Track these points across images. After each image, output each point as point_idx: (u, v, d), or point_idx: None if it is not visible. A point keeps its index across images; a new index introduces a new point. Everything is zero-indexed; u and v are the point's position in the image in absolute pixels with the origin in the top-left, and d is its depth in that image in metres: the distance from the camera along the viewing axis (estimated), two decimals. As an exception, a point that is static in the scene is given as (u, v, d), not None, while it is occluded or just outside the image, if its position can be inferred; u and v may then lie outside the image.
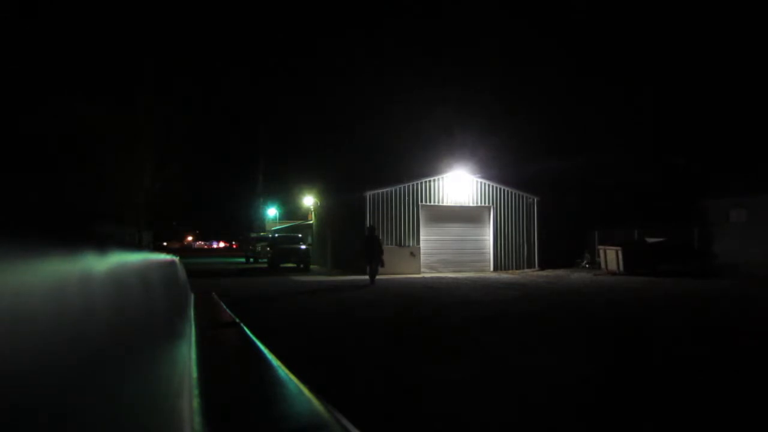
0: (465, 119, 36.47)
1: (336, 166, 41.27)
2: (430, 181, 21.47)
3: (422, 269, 20.41)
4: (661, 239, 18.75)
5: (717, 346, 6.47)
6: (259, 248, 29.94)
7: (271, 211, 54.03)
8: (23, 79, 23.72)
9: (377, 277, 18.25)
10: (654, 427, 3.70)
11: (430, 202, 21.34)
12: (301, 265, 23.19)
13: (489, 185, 22.19)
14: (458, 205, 21.70)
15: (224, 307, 4.60)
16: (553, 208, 22.92)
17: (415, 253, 20.48)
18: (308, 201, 33.90)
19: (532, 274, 19.54)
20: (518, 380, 4.87)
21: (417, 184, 21.31)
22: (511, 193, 22.48)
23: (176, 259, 4.54)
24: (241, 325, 3.27)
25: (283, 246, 23.72)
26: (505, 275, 19.42)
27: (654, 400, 4.24)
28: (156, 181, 29.23)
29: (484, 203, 22.07)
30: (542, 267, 22.10)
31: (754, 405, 4.15)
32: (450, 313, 9.49)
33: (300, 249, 23.47)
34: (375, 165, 33.66)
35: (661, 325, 8.27)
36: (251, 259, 31.91)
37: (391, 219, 20.77)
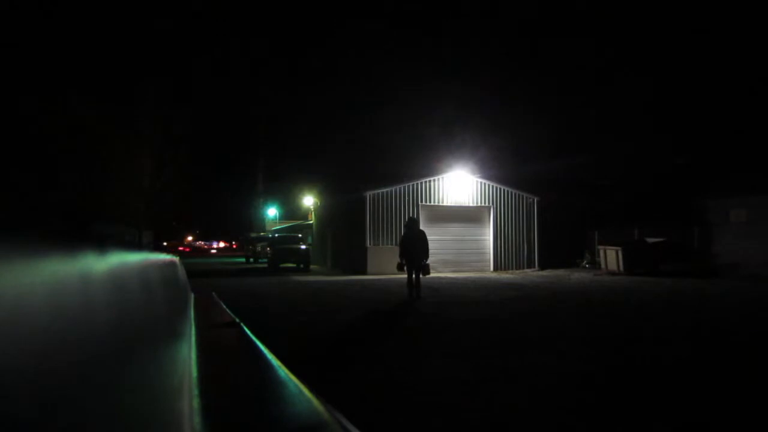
0: (465, 119, 36.46)
1: (336, 166, 41.25)
2: (430, 181, 21.47)
3: (422, 269, 20.39)
4: (661, 239, 18.75)
5: (715, 346, 6.48)
6: (259, 248, 29.94)
7: (271, 211, 54.03)
8: (23, 78, 23.72)
9: (377, 277, 18.18)
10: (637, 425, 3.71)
11: (430, 202, 21.33)
12: (301, 266, 23.18)
13: (489, 185, 22.19)
14: (458, 205, 21.70)
15: (224, 307, 4.60)
16: (553, 208, 22.91)
17: (415, 253, 20.46)
18: (308, 201, 33.92)
19: (532, 275, 19.53)
20: (516, 379, 4.87)
21: (417, 184, 21.30)
22: (511, 193, 22.47)
23: (176, 259, 4.54)
24: (241, 325, 3.27)
25: (283, 246, 23.71)
26: (505, 275, 19.42)
27: (648, 400, 4.24)
28: (156, 182, 29.21)
29: (484, 203, 22.06)
30: (542, 267, 22.09)
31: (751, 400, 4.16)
32: (450, 313, 9.49)
33: (300, 249, 23.46)
34: (375, 165, 33.66)
35: (661, 324, 8.27)
36: (251, 259, 31.92)
37: (391, 219, 20.77)
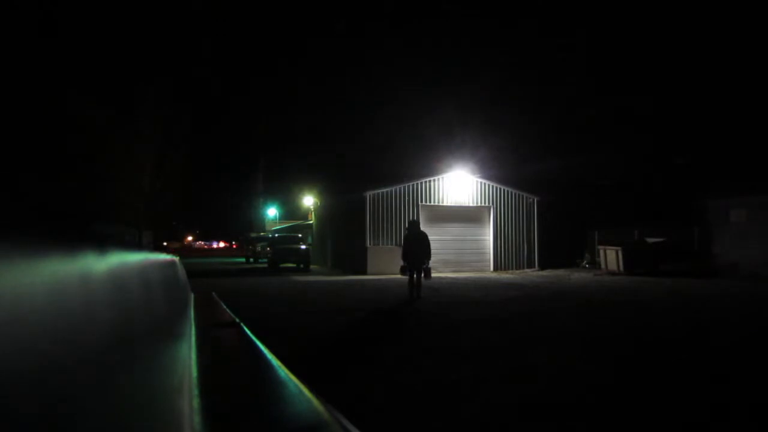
0: (465, 119, 36.44)
1: (336, 166, 41.25)
2: (430, 181, 21.47)
3: (422, 269, 20.39)
4: (661, 239, 18.75)
5: (716, 346, 6.48)
6: (259, 248, 29.95)
7: (271, 211, 54.04)
8: (24, 80, 23.72)
9: (377, 277, 18.18)
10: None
11: (430, 202, 21.33)
12: (301, 266, 23.19)
13: (489, 185, 22.19)
14: (458, 205, 21.70)
15: (224, 307, 4.60)
16: (553, 208, 22.91)
17: (415, 253, 20.45)
18: (308, 201, 33.92)
19: (532, 275, 19.53)
20: (517, 379, 4.87)
21: (417, 184, 21.30)
22: (511, 193, 22.47)
23: (176, 259, 4.54)
24: (241, 325, 3.27)
25: (283, 246, 23.72)
26: (505, 275, 19.41)
27: (648, 400, 4.24)
28: (156, 181, 29.21)
29: (484, 203, 22.06)
30: (542, 267, 22.09)
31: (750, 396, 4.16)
32: (450, 313, 9.49)
33: (300, 249, 23.46)
34: (375, 165, 33.66)
35: (661, 324, 8.27)
36: (251, 259, 31.93)
37: (391, 219, 20.76)
